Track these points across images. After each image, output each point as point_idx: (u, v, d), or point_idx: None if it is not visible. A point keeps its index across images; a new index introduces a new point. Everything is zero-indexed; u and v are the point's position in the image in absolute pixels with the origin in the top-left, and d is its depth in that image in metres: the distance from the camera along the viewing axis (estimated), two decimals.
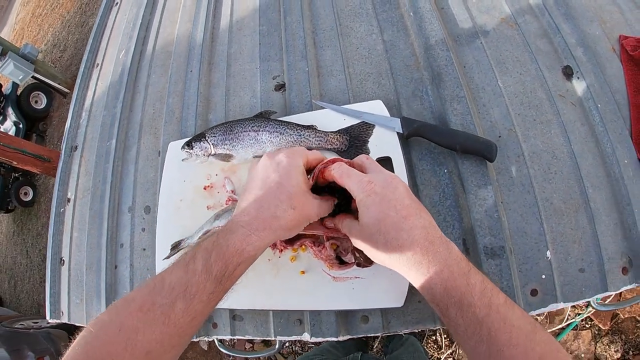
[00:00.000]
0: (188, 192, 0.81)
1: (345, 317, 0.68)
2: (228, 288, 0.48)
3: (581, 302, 0.63)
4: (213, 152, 0.77)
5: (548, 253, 0.63)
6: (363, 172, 0.53)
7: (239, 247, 0.47)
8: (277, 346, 0.76)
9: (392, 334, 0.67)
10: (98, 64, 1.19)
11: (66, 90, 3.90)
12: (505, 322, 0.41)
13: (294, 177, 0.52)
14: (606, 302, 0.68)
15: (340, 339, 0.67)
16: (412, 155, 0.73)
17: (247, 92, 0.89)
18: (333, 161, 0.57)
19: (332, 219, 0.59)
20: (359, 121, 0.74)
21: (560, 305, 0.61)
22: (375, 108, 0.75)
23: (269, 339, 0.71)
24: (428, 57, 0.78)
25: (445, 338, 1.74)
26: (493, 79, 0.75)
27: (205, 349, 2.31)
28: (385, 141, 0.72)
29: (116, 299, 0.87)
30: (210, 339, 0.76)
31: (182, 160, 0.80)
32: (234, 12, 1.02)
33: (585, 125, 0.70)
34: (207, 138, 0.77)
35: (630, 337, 1.54)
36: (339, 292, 0.65)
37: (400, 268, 0.48)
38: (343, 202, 0.59)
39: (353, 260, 0.63)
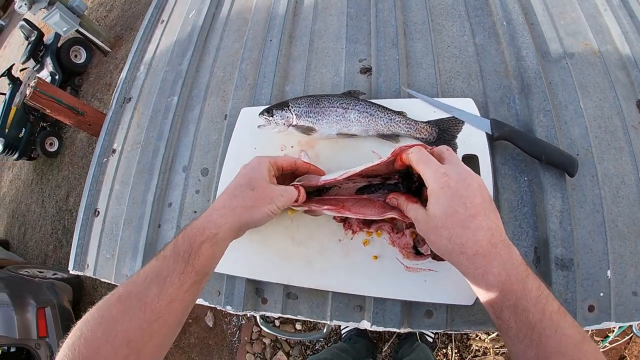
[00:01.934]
0: None
1: (409, 309, 0.61)
2: (200, 269, 0.46)
3: (631, 323, 0.59)
4: (295, 123, 0.67)
5: (609, 272, 0.59)
6: (441, 162, 0.49)
7: (201, 226, 0.48)
8: (324, 330, 0.65)
9: (455, 332, 0.60)
10: (163, 20, 1.09)
11: (108, 49, 3.69)
12: (556, 330, 0.39)
13: (258, 168, 0.55)
14: None
15: (402, 330, 0.60)
16: (496, 158, 0.66)
17: (330, 70, 0.81)
18: (418, 147, 0.51)
19: (397, 196, 0.54)
20: (449, 115, 0.65)
21: (612, 324, 0.58)
22: (466, 106, 0.67)
23: (323, 322, 0.61)
24: (518, 67, 0.72)
25: (455, 353, 1.64)
26: (575, 99, 0.69)
27: (211, 325, 2.15)
28: (473, 139, 0.65)
29: None
30: (255, 314, 0.66)
31: (259, 126, 0.70)
32: None
33: None
34: (290, 107, 0.67)
35: None
36: (410, 282, 0.58)
37: (459, 265, 0.45)
38: (416, 190, 0.55)
39: (429, 252, 0.57)
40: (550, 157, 0.61)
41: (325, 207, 0.56)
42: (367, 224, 0.61)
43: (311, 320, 0.64)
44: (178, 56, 0.96)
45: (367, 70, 0.78)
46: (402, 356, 1.25)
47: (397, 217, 0.53)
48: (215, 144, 0.81)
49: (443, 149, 0.51)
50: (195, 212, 0.77)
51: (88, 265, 0.87)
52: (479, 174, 0.60)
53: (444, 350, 1.65)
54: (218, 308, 0.70)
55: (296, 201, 0.57)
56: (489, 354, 1.58)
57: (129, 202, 0.85)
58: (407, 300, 0.59)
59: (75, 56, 3.91)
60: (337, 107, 0.66)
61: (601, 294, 0.58)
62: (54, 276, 2.48)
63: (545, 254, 0.59)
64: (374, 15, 0.83)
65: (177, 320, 0.45)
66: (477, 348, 1.60)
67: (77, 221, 0.91)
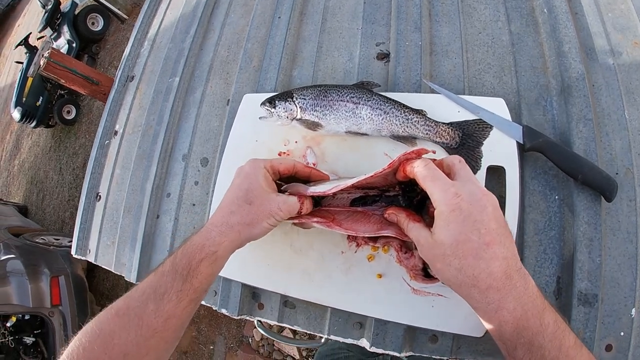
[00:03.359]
0: (259, 154, 0.65)
1: (413, 332, 0.55)
2: (197, 286, 0.45)
3: None
4: (299, 117, 0.60)
5: (633, 311, 0.51)
6: (450, 177, 0.43)
7: (200, 243, 0.46)
8: (323, 340, 0.60)
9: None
10: None
11: (125, 16, 3.62)
12: None
13: (253, 176, 0.50)
14: None
15: (403, 355, 0.54)
16: (525, 171, 0.57)
17: (343, 54, 0.71)
18: (419, 154, 0.44)
19: (397, 212, 0.47)
20: (475, 117, 0.56)
21: None
22: (496, 107, 0.58)
23: (320, 335, 0.56)
24: (559, 64, 0.60)
25: None
26: (620, 107, 0.58)
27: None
28: (501, 148, 0.56)
29: (154, 250, 0.72)
30: (252, 319, 0.61)
31: (260, 118, 0.63)
32: None
33: None
34: (294, 99, 0.60)
35: None
36: (415, 306, 0.52)
37: (469, 299, 0.40)
38: (418, 203, 0.49)
39: None
40: (588, 177, 0.52)
41: (315, 219, 0.49)
42: (373, 238, 0.54)
43: (308, 332, 0.59)
44: (182, 32, 0.87)
45: (384, 57, 0.68)
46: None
47: (394, 235, 0.47)
48: (216, 132, 0.74)
49: (455, 160, 0.44)
50: (193, 204, 0.71)
51: (90, 251, 0.84)
52: (505, 189, 0.53)
53: None
54: (214, 309, 0.65)
55: (299, 213, 0.50)
56: None
57: (129, 189, 0.80)
58: (413, 325, 0.52)
59: (93, 24, 3.85)
60: (347, 102, 0.58)
61: (622, 333, 0.51)
62: (69, 243, 2.53)
63: (569, 287, 0.52)
64: None
65: (173, 336, 0.45)
66: None
67: (79, 204, 0.88)
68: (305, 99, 0.59)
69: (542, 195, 0.56)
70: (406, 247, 0.52)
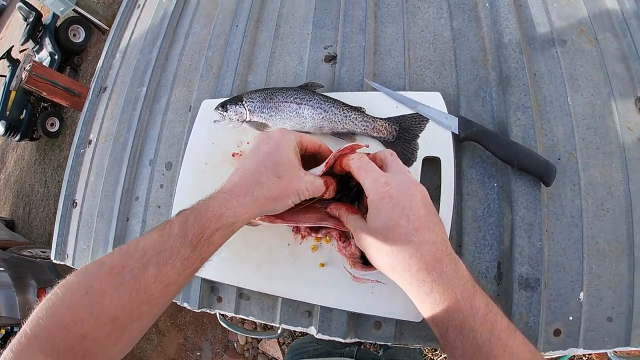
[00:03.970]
0: (215, 156, 0.74)
1: (357, 319, 0.63)
2: (205, 256, 0.44)
3: (599, 352, 0.59)
4: (248, 119, 0.70)
5: (581, 294, 0.57)
6: (383, 169, 0.49)
7: (218, 211, 0.44)
8: (279, 332, 0.70)
9: (403, 345, 0.61)
10: (140, 5, 1.12)
11: (106, 27, 3.87)
12: (505, 350, 0.39)
13: (284, 148, 0.50)
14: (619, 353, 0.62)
15: (347, 341, 0.62)
16: (462, 160, 0.65)
17: (294, 58, 0.81)
18: (352, 149, 0.51)
19: (337, 207, 0.53)
20: (412, 112, 0.66)
21: (580, 351, 0.56)
22: (433, 101, 0.66)
23: (273, 324, 0.66)
24: (498, 56, 0.68)
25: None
26: (563, 94, 0.66)
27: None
28: (437, 139, 0.64)
29: None
30: (212, 312, 0.71)
31: (214, 121, 0.74)
32: None
33: None
34: (244, 102, 0.70)
35: None
36: (356, 293, 0.59)
37: (401, 282, 0.45)
38: (355, 196, 0.55)
39: None
40: (524, 163, 0.58)
41: (259, 216, 0.56)
42: (315, 229, 0.62)
43: (262, 322, 0.69)
44: (149, 43, 0.98)
45: (332, 59, 0.77)
46: (387, 347, 1.28)
47: (332, 226, 0.54)
48: (179, 137, 0.84)
49: (387, 153, 0.51)
50: (159, 206, 0.81)
51: (68, 255, 0.94)
52: (440, 178, 0.60)
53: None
54: (178, 304, 0.74)
55: (322, 196, 0.54)
56: None
57: (102, 194, 0.90)
58: (353, 311, 0.60)
59: (74, 35, 4.10)
60: (291, 102, 0.67)
61: (570, 318, 0.56)
62: None
63: (509, 271, 0.58)
64: None
65: (167, 302, 0.44)
66: None
67: (57, 211, 0.98)
68: (253, 102, 0.69)
69: (480, 183, 0.63)
70: (344, 236, 0.59)
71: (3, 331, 2.12)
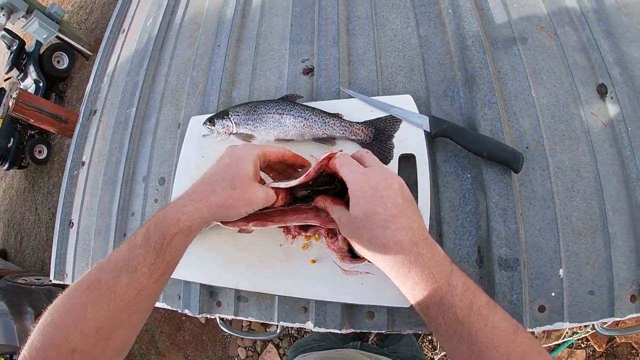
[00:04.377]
0: (205, 169, 0.77)
1: (350, 310, 0.67)
2: (169, 260, 0.48)
3: (585, 324, 0.62)
4: (235, 131, 0.75)
5: (561, 271, 0.61)
6: (362, 165, 0.52)
7: (174, 216, 0.49)
8: (277, 331, 0.74)
9: (396, 332, 0.66)
10: (124, 30, 1.16)
11: (89, 52, 3.91)
12: (486, 324, 0.41)
13: (243, 162, 0.54)
14: (606, 325, 0.66)
15: (344, 331, 0.66)
16: (436, 156, 0.70)
17: (274, 73, 0.87)
18: (329, 158, 0.56)
19: (323, 199, 0.57)
20: (386, 114, 0.71)
21: (566, 325, 0.60)
22: (404, 103, 0.71)
23: (272, 323, 0.70)
24: (463, 58, 0.74)
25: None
26: (527, 88, 0.72)
27: (203, 321, 2.33)
28: (411, 138, 0.69)
29: None
30: (212, 317, 0.75)
31: (203, 136, 0.78)
32: None
33: (614, 147, 0.66)
34: (230, 116, 0.75)
35: None
36: (347, 285, 0.63)
37: (383, 266, 0.48)
38: (338, 193, 0.59)
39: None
40: (492, 153, 0.63)
41: (251, 223, 0.60)
42: (304, 228, 0.66)
43: (261, 321, 0.73)
44: (136, 66, 1.02)
45: (309, 71, 0.83)
46: (388, 344, 1.32)
47: (318, 224, 0.58)
48: (170, 154, 0.88)
49: (362, 152, 0.55)
50: None
51: (67, 275, 0.96)
52: (416, 173, 0.65)
53: (429, 337, 1.75)
54: (179, 311, 0.77)
55: (272, 205, 0.58)
56: None
57: (98, 213, 0.93)
58: (346, 302, 0.65)
59: (58, 62, 4.12)
60: (273, 113, 0.72)
61: (552, 294, 0.60)
62: (50, 282, 2.72)
63: (489, 254, 0.62)
64: (317, 12, 0.87)
65: (145, 309, 0.48)
66: None
67: (54, 233, 1.01)
68: (238, 115, 0.73)
69: (455, 176, 0.67)
70: (332, 233, 0.64)
71: (2, 359, 2.10)
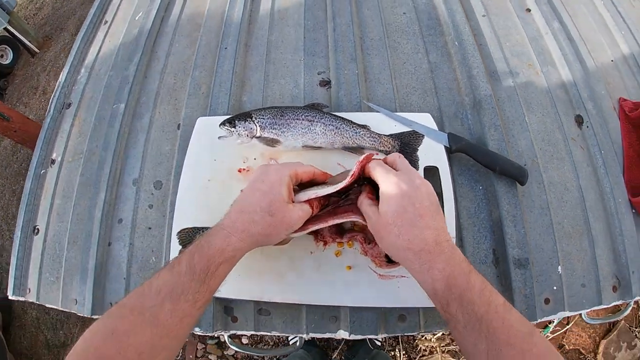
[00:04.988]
0: (219, 173, 0.74)
1: (383, 314, 0.67)
2: (213, 288, 0.50)
3: (581, 312, 0.71)
4: (259, 135, 0.71)
5: (559, 268, 0.70)
6: (394, 168, 0.55)
7: (220, 247, 0.50)
8: (298, 344, 0.70)
9: (428, 332, 0.67)
10: (107, 21, 1.06)
11: (36, 49, 3.44)
12: (503, 322, 0.43)
13: (277, 187, 0.55)
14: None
15: (380, 336, 0.66)
16: (453, 169, 0.75)
17: (289, 82, 0.85)
18: (368, 158, 0.58)
19: (359, 193, 0.59)
20: (409, 129, 0.74)
21: (567, 314, 0.68)
22: (425, 120, 0.76)
23: (298, 335, 0.66)
24: (470, 85, 0.82)
25: (403, 354, 1.77)
26: (521, 114, 0.81)
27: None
28: (432, 152, 0.73)
29: (107, 279, 0.75)
30: (228, 334, 0.68)
31: (219, 137, 0.73)
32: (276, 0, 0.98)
33: (590, 166, 0.78)
34: (253, 119, 0.71)
35: None
36: (384, 290, 0.64)
37: (405, 261, 0.50)
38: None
39: None
40: (504, 168, 0.71)
41: (310, 225, 0.58)
42: (339, 234, 0.65)
43: (286, 335, 0.68)
44: (124, 60, 0.93)
45: (326, 83, 0.83)
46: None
47: (356, 219, 0.57)
48: (168, 155, 0.81)
49: (395, 156, 0.57)
50: (149, 228, 0.76)
51: (30, 290, 0.81)
52: (440, 184, 0.68)
53: (392, 353, 1.77)
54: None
55: (311, 215, 0.58)
56: (435, 352, 1.76)
57: (73, 219, 0.81)
58: (382, 307, 0.65)
59: (1, 56, 3.56)
60: (303, 120, 0.70)
61: (555, 288, 0.68)
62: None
63: (504, 255, 0.68)
64: (332, 29, 0.89)
65: (185, 334, 0.48)
66: (424, 348, 1.77)
67: (14, 240, 0.85)
68: (264, 118, 0.71)
69: (469, 187, 0.73)
70: (369, 239, 0.64)
71: None
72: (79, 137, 0.89)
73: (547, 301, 0.68)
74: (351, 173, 0.56)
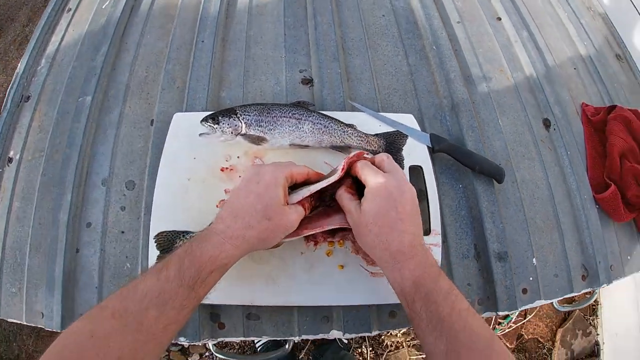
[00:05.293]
0: (200, 172, 0.70)
1: (375, 312, 0.67)
2: (202, 295, 0.48)
3: (553, 300, 0.76)
4: (244, 132, 0.69)
5: (534, 260, 0.74)
6: (381, 169, 0.56)
7: (212, 254, 0.48)
8: (287, 347, 0.69)
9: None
10: (70, 9, 0.96)
11: None
12: (465, 326, 0.45)
13: (273, 189, 0.53)
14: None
15: (373, 333, 0.66)
16: (435, 167, 0.76)
17: (270, 78, 0.83)
18: (358, 155, 0.59)
19: (341, 188, 0.59)
20: (393, 130, 0.75)
21: (543, 302, 0.73)
22: (407, 121, 0.77)
23: (290, 338, 0.64)
24: (448, 88, 0.84)
25: (370, 351, 1.78)
26: (495, 117, 0.85)
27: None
28: (416, 152, 0.74)
29: (77, 289, 0.68)
30: (215, 342, 0.65)
31: (200, 134, 0.69)
32: None
33: (558, 166, 0.83)
34: (238, 115, 0.69)
35: (533, 355, 1.78)
36: (376, 287, 0.64)
37: (380, 259, 0.53)
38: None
39: None
40: (483, 168, 0.74)
41: (305, 230, 0.57)
42: (331, 234, 0.64)
43: (277, 339, 0.66)
44: (89, 50, 0.86)
45: (308, 82, 0.82)
46: None
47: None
48: (141, 153, 0.75)
49: (383, 156, 0.58)
50: (122, 232, 0.70)
51: None
52: (425, 183, 0.69)
53: (359, 350, 1.78)
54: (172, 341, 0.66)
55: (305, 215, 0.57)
56: (401, 347, 1.81)
57: (35, 223, 0.73)
58: (374, 304, 0.65)
59: None
60: (290, 117, 0.68)
61: (531, 278, 0.72)
62: None
63: (485, 249, 0.71)
64: (313, 27, 0.88)
65: (168, 341, 0.46)
66: (390, 343, 1.80)
67: None
68: (249, 115, 0.68)
69: (450, 185, 0.75)
70: None
71: None
72: (39, 133, 0.80)
73: (524, 291, 0.72)
74: (340, 167, 0.56)
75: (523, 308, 0.70)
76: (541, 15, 1.02)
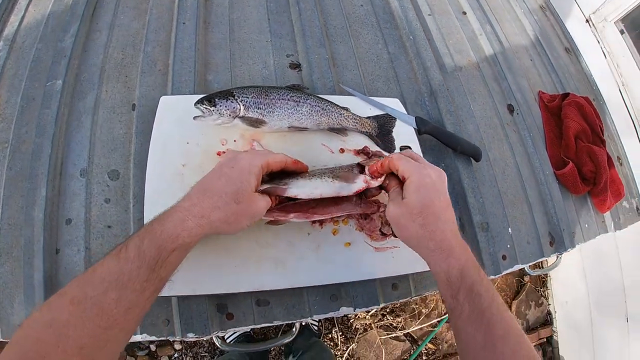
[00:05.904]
0: (195, 157, 0.66)
1: (379, 285, 0.69)
2: (164, 277, 0.46)
3: (529, 264, 0.83)
4: (242, 114, 0.67)
5: (509, 230, 0.82)
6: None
7: (173, 232, 0.46)
8: (294, 330, 0.68)
9: (419, 295, 0.71)
10: None
11: None
12: (502, 318, 0.46)
13: (246, 174, 0.52)
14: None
15: (380, 306, 0.68)
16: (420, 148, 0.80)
17: (257, 62, 0.81)
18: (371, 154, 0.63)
19: (390, 179, 0.59)
20: (383, 113, 0.78)
21: (520, 266, 0.81)
22: (394, 105, 0.80)
23: (301, 320, 0.64)
24: (426, 76, 0.88)
25: (340, 335, 1.80)
26: (467, 103, 0.91)
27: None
28: (404, 133, 0.77)
29: None
30: (223, 334, 0.62)
31: (195, 118, 0.66)
32: None
33: (522, 146, 0.92)
34: (236, 97, 0.67)
35: None
36: (381, 261, 0.66)
37: (424, 249, 0.51)
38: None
39: (391, 231, 0.66)
40: (464, 148, 0.79)
41: (292, 215, 0.57)
42: None
43: (289, 322, 0.63)
44: (56, 31, 0.78)
45: (296, 66, 0.82)
46: (297, 349, 1.29)
47: (362, 211, 0.60)
48: (123, 140, 0.70)
49: (409, 151, 0.58)
50: (109, 227, 0.64)
51: None
52: None
53: (330, 335, 1.81)
54: (172, 340, 0.61)
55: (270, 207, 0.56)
56: (370, 329, 1.86)
57: (3, 225, 0.64)
58: (379, 278, 0.67)
59: None
60: (288, 100, 0.67)
61: (508, 246, 0.79)
62: None
63: (469, 221, 0.76)
64: (297, 13, 0.87)
65: (132, 326, 0.43)
66: (359, 326, 1.85)
67: None
68: (247, 97, 0.65)
69: (434, 164, 0.80)
70: (363, 214, 0.66)
71: None
72: (1, 123, 0.71)
73: (504, 257, 0.78)
74: (355, 185, 0.58)
75: (505, 272, 0.76)
76: (500, 11, 1.11)
